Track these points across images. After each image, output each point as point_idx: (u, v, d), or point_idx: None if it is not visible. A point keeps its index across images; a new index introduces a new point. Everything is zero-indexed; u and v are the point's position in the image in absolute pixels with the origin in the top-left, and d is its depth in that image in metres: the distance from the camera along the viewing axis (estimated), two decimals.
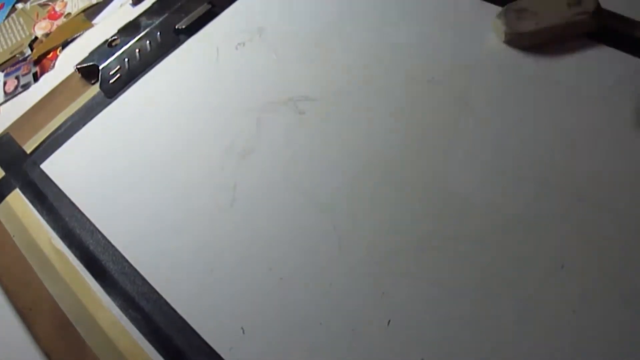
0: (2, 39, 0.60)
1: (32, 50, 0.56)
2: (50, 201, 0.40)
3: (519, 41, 0.36)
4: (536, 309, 0.27)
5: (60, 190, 0.40)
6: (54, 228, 0.38)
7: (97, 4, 0.58)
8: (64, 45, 0.55)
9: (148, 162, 0.40)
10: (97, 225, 0.37)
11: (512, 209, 0.30)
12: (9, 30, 0.60)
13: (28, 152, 0.44)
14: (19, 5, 0.63)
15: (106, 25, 0.54)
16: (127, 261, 0.35)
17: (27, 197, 0.41)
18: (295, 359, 0.29)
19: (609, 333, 0.25)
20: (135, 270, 0.34)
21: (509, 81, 0.35)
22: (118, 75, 0.47)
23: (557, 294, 0.27)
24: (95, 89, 0.47)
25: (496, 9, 0.38)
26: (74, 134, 0.44)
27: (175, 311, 0.32)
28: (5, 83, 0.54)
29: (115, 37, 0.51)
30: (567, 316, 0.26)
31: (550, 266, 0.28)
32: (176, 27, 0.48)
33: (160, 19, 0.50)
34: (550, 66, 0.35)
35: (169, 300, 0.33)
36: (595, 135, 0.32)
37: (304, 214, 0.33)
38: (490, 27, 0.38)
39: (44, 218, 0.39)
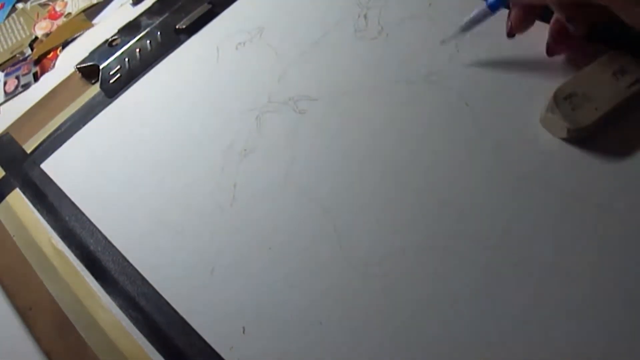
0: (2, 39, 0.60)
1: (32, 50, 0.56)
2: (50, 201, 0.40)
3: (581, 134, 0.30)
4: (536, 310, 0.27)
5: (60, 189, 0.40)
6: (54, 228, 0.38)
7: (97, 3, 0.58)
8: (64, 45, 0.55)
9: (148, 162, 0.40)
10: (98, 225, 0.37)
11: (511, 209, 0.30)
12: (9, 30, 0.61)
13: (28, 151, 0.44)
14: (19, 5, 0.63)
15: (106, 25, 0.54)
16: (127, 261, 0.35)
17: (27, 197, 0.41)
18: (296, 358, 0.29)
19: (609, 335, 0.25)
20: (136, 270, 0.34)
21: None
22: (118, 75, 0.47)
23: (556, 295, 0.27)
24: (95, 88, 0.47)
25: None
26: (74, 133, 0.44)
27: (175, 311, 0.32)
28: (5, 83, 0.54)
29: (116, 37, 0.51)
30: (568, 317, 0.26)
31: (550, 266, 0.27)
32: (176, 27, 0.48)
33: (161, 18, 0.50)
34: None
35: (169, 300, 0.33)
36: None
37: (304, 213, 0.33)
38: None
39: (44, 218, 0.39)
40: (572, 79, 0.31)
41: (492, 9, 0.34)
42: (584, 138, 0.30)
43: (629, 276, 0.26)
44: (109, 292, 0.34)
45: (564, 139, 0.31)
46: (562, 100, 0.30)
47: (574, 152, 0.30)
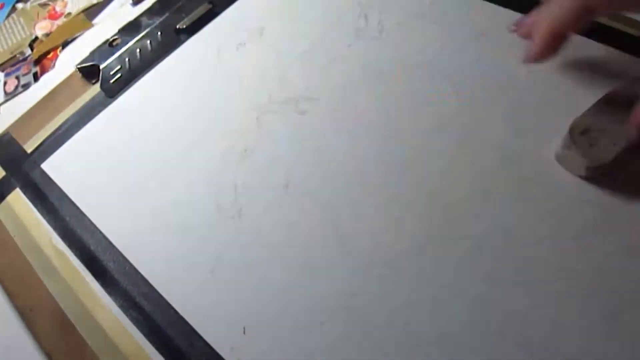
0: (2, 39, 0.60)
1: (32, 50, 0.56)
2: (50, 201, 0.40)
3: (601, 171, 0.28)
4: (536, 310, 0.27)
5: (60, 189, 0.40)
6: (54, 228, 0.38)
7: (97, 3, 0.58)
8: (64, 45, 0.55)
9: (149, 162, 0.40)
10: (98, 225, 0.37)
11: (511, 211, 0.30)
12: (9, 30, 0.60)
13: (29, 151, 0.44)
14: (19, 5, 0.63)
15: (106, 25, 0.54)
16: (127, 261, 0.35)
17: (28, 197, 0.41)
18: (297, 359, 0.29)
19: (611, 335, 0.25)
20: (136, 270, 0.34)
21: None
22: (119, 75, 0.47)
23: (557, 296, 0.27)
24: (95, 88, 0.47)
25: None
26: (74, 133, 0.44)
27: (176, 311, 0.32)
28: (5, 83, 0.54)
29: (116, 37, 0.51)
30: (569, 319, 0.26)
31: (550, 269, 0.28)
32: (177, 27, 0.48)
33: (161, 18, 0.50)
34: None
35: (169, 300, 0.33)
36: None
37: (305, 214, 0.33)
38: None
39: (44, 218, 0.39)
40: (586, 112, 0.29)
41: None
42: (601, 175, 0.29)
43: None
44: (109, 292, 0.34)
45: (581, 177, 0.29)
46: (579, 136, 0.28)
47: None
